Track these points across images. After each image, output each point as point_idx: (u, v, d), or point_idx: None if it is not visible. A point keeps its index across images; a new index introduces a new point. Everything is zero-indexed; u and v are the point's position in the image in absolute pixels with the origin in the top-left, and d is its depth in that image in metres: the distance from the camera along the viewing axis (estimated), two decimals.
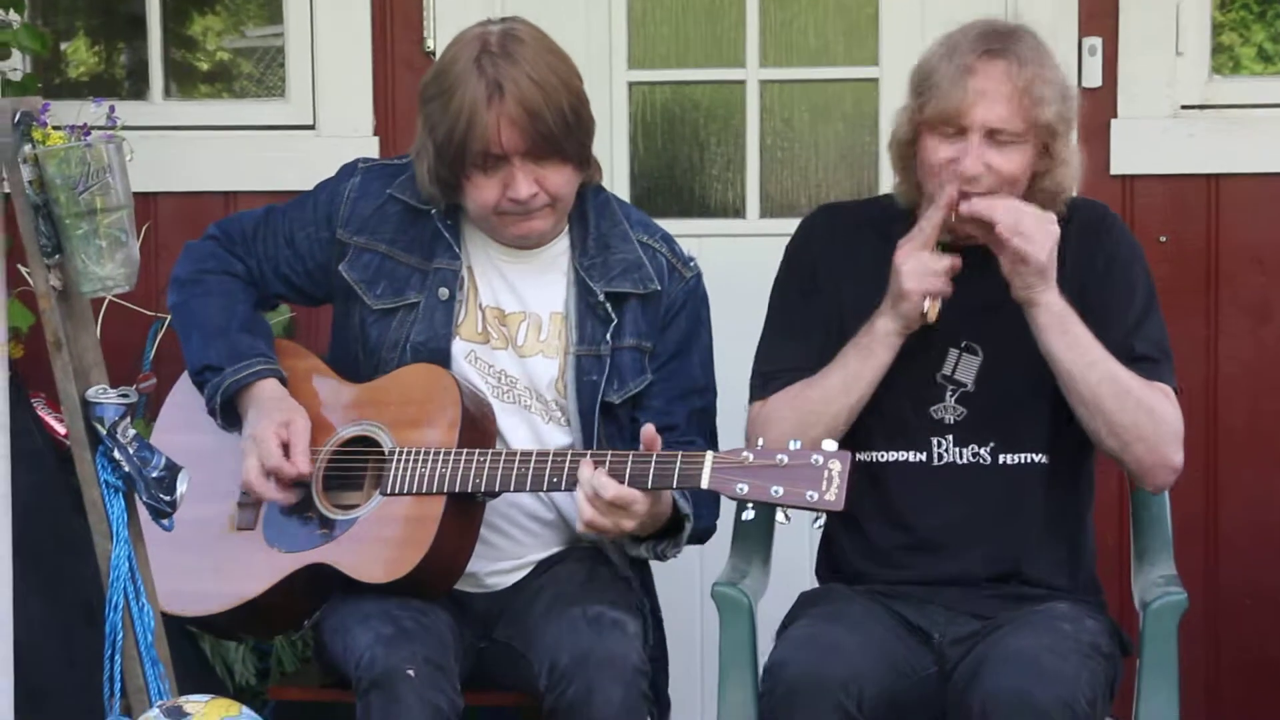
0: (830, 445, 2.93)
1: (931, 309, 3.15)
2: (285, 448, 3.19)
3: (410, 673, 3.00)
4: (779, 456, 2.93)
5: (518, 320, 3.31)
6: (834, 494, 2.89)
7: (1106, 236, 3.28)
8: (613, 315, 3.27)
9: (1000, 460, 3.23)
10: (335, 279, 3.34)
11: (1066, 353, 3.14)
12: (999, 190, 3.14)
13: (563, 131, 3.17)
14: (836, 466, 2.90)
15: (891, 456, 3.25)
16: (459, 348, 3.28)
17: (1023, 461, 3.24)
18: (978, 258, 3.20)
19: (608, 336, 3.27)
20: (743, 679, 3.21)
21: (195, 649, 3.91)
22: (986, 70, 3.13)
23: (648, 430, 3.02)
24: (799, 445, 2.93)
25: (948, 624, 3.18)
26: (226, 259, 3.38)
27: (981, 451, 3.23)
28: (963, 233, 3.18)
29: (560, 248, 3.32)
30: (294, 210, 3.39)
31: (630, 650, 3.08)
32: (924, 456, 3.25)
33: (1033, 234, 3.08)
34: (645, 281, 3.30)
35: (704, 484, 2.96)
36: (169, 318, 3.60)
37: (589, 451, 3.10)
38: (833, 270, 3.32)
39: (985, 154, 3.13)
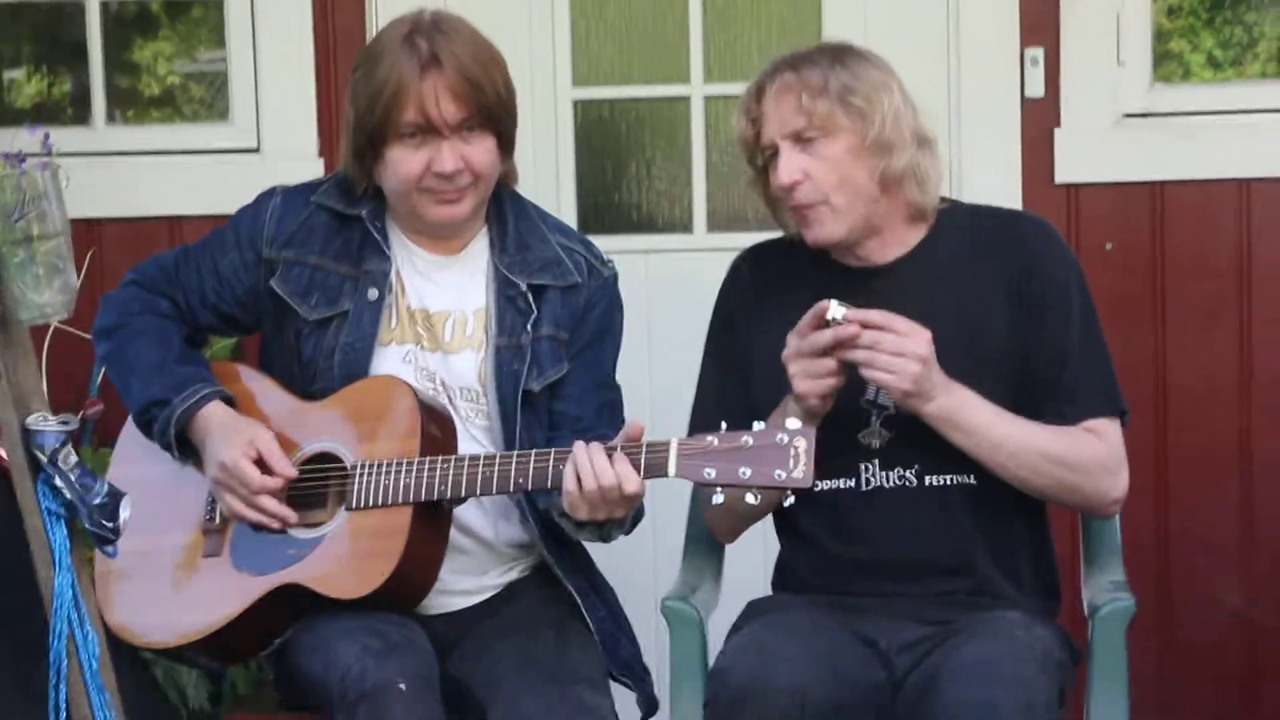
0: (794, 423, 2.91)
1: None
2: (260, 464, 3.16)
3: (401, 686, 2.98)
4: (744, 439, 2.91)
5: (443, 319, 3.30)
6: (801, 471, 2.88)
7: (1034, 253, 3.21)
8: (533, 306, 3.28)
9: (926, 482, 3.19)
10: (265, 302, 3.32)
11: (966, 442, 3.12)
12: (830, 197, 3.15)
13: (498, 105, 3.21)
14: (802, 444, 2.88)
15: (824, 485, 3.19)
16: (395, 351, 3.28)
17: (949, 483, 3.19)
18: (893, 279, 3.21)
19: (528, 327, 3.27)
20: (694, 693, 3.20)
21: (147, 674, 3.89)
22: (767, 92, 3.18)
23: (634, 424, 3.00)
24: (763, 426, 2.92)
25: (895, 631, 3.17)
26: (150, 299, 3.34)
27: (907, 474, 3.19)
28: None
29: (480, 247, 3.33)
30: (214, 240, 3.37)
31: None
32: (853, 483, 3.21)
33: (889, 366, 3.04)
34: (565, 275, 3.32)
35: (671, 472, 2.95)
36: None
37: (553, 450, 3.07)
38: (752, 316, 3.30)
39: (796, 159, 3.15)
